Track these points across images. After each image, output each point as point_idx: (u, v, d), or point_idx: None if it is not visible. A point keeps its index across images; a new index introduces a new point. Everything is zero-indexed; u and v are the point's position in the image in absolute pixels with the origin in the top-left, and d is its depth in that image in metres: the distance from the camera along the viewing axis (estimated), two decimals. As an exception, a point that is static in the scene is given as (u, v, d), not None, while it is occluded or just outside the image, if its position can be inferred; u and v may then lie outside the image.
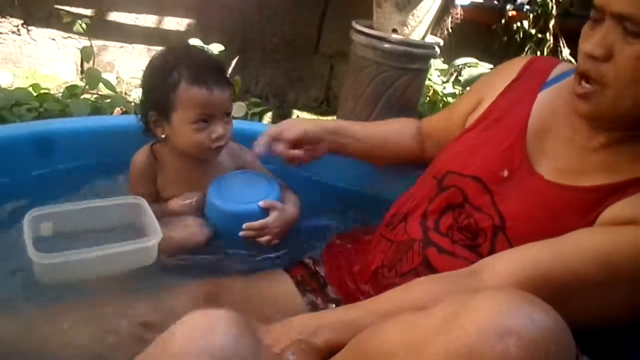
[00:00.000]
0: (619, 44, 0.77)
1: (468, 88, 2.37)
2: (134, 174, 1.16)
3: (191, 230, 1.09)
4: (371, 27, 1.91)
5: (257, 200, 1.10)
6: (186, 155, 1.14)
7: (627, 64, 0.77)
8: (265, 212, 1.10)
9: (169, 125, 1.09)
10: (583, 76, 0.82)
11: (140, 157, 1.15)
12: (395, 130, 1.26)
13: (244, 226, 1.08)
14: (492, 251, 0.87)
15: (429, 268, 0.91)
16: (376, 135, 1.24)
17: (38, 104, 1.72)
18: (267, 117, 2.51)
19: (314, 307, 0.98)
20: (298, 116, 2.81)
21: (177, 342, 0.68)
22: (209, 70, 1.07)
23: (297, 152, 1.15)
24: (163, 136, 1.12)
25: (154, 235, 0.98)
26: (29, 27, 2.26)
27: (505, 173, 0.92)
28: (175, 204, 1.14)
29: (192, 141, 1.08)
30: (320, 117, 2.83)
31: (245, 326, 0.72)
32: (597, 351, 0.81)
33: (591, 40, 0.80)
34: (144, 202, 1.06)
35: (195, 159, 1.15)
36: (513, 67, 1.04)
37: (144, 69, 1.13)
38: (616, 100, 0.80)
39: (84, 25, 2.03)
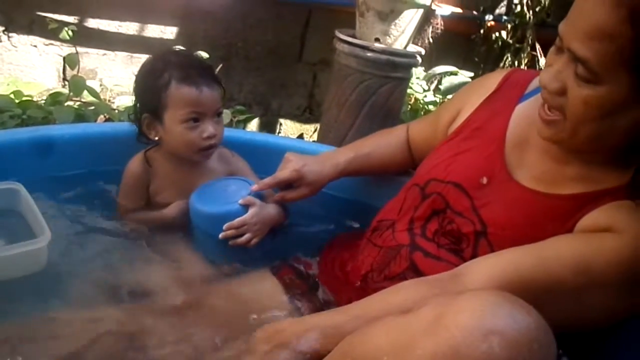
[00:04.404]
0: (571, 82, 0.77)
1: (449, 96, 2.41)
2: (127, 181, 1.17)
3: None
4: (354, 36, 1.93)
5: (236, 201, 1.10)
6: (179, 159, 1.16)
7: (577, 105, 0.77)
8: (245, 212, 1.10)
9: (161, 127, 1.11)
10: (547, 102, 0.83)
11: (134, 164, 1.17)
12: (390, 152, 1.27)
13: (224, 227, 1.08)
14: (474, 256, 0.88)
15: (416, 271, 0.93)
16: (374, 160, 1.25)
17: (21, 111, 1.70)
18: (252, 124, 2.52)
19: (298, 313, 0.98)
20: (281, 124, 2.82)
21: None
22: (198, 71, 1.10)
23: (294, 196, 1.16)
24: (156, 138, 1.13)
25: (43, 237, 0.90)
26: (10, 34, 2.23)
27: (485, 180, 0.94)
28: (167, 211, 1.15)
29: (184, 141, 1.10)
30: (303, 125, 2.85)
31: None
32: (576, 353, 0.82)
33: (549, 71, 0.80)
34: (21, 188, 1.01)
35: (188, 163, 1.16)
36: (492, 80, 1.06)
37: (128, 76, 1.15)
38: (574, 133, 0.81)
39: (70, 32, 2.01)
